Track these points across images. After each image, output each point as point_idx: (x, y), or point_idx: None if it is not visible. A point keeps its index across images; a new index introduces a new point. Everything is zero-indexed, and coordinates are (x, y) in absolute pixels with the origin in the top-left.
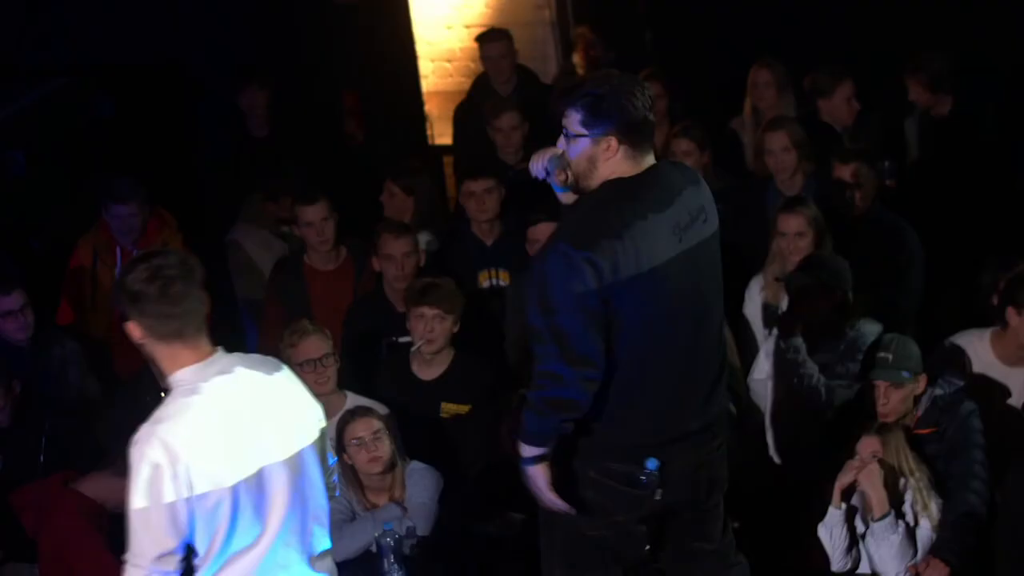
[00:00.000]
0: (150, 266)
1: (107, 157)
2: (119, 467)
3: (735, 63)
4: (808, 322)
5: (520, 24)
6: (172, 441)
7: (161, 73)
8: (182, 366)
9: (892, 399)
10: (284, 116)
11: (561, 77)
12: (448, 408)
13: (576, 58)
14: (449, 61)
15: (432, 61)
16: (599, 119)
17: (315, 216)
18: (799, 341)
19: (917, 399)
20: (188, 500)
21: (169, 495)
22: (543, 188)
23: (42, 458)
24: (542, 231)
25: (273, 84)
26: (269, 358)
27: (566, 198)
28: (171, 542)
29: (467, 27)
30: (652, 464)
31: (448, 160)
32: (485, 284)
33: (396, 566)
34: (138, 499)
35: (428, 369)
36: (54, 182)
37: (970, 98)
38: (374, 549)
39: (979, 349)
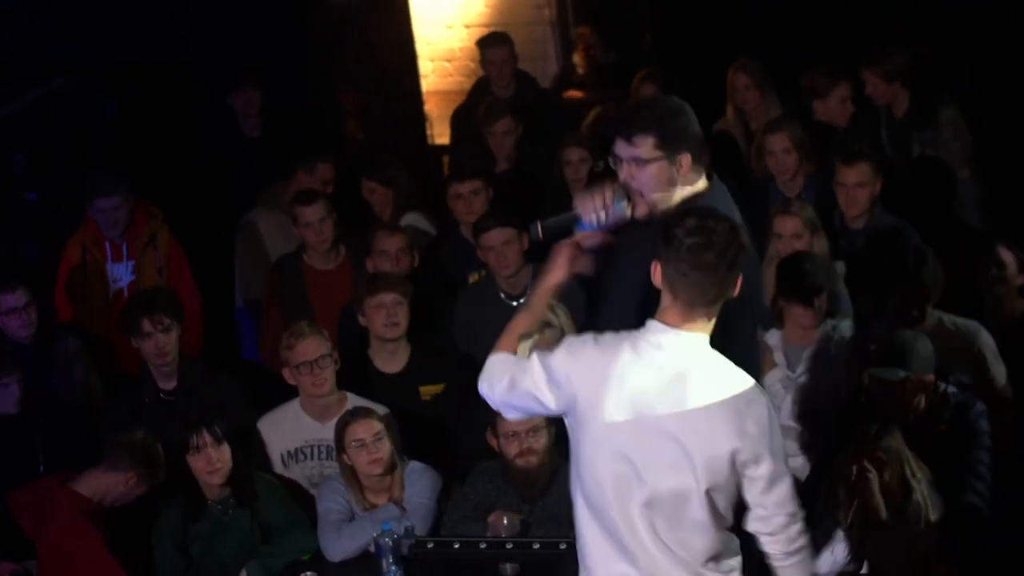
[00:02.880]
0: (703, 224)
1: (109, 157)
2: (112, 462)
3: (734, 62)
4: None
5: (520, 24)
6: None
7: (163, 73)
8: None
9: (895, 397)
10: (278, 117)
11: (561, 77)
12: (426, 391)
13: (576, 58)
14: (449, 61)
15: (432, 61)
16: (674, 139)
17: (313, 216)
18: None
19: (926, 396)
20: None
21: None
22: (534, 189)
23: (41, 459)
24: (495, 237)
25: (267, 84)
26: None
27: (592, 239)
28: None
29: (467, 27)
30: None
31: (448, 160)
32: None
33: (395, 566)
34: None
35: (392, 362)
36: (55, 182)
37: (927, 93)
38: (373, 549)
39: None
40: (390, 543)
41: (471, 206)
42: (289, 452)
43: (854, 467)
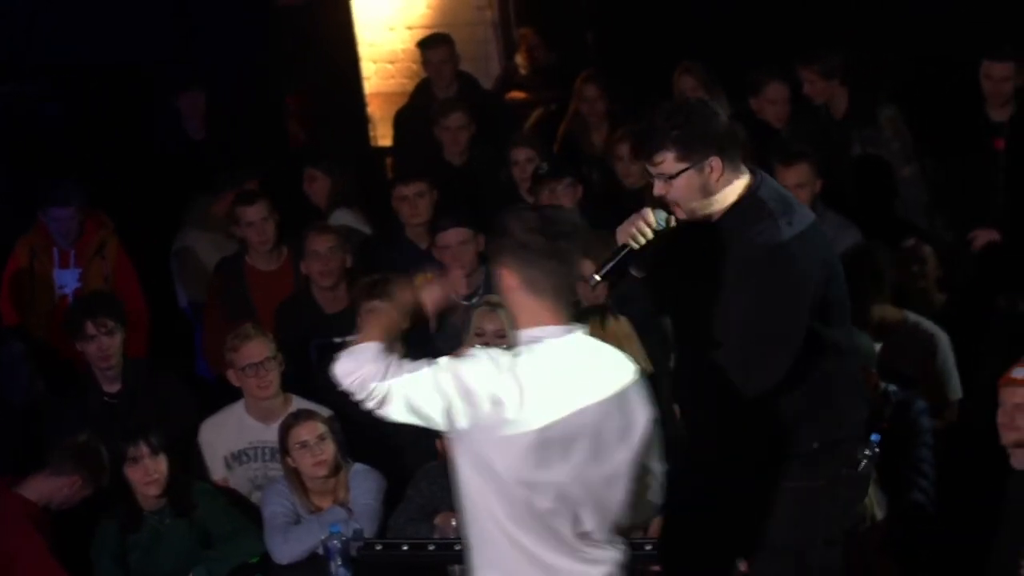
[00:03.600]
0: (541, 216)
1: (52, 159)
2: (56, 466)
3: (677, 62)
4: None
5: (462, 25)
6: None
7: (109, 75)
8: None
9: None
10: (223, 119)
11: (503, 78)
12: None
13: (519, 59)
14: (391, 62)
15: (374, 62)
16: (695, 147)
17: (255, 216)
18: None
19: (869, 393)
20: None
21: None
22: (482, 189)
23: None
24: (450, 236)
25: (212, 87)
26: None
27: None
28: None
29: (409, 28)
30: (876, 436)
31: (391, 162)
32: None
33: (343, 568)
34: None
35: None
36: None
37: (866, 92)
38: (321, 552)
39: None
40: (339, 545)
41: (416, 208)
42: (233, 454)
43: None
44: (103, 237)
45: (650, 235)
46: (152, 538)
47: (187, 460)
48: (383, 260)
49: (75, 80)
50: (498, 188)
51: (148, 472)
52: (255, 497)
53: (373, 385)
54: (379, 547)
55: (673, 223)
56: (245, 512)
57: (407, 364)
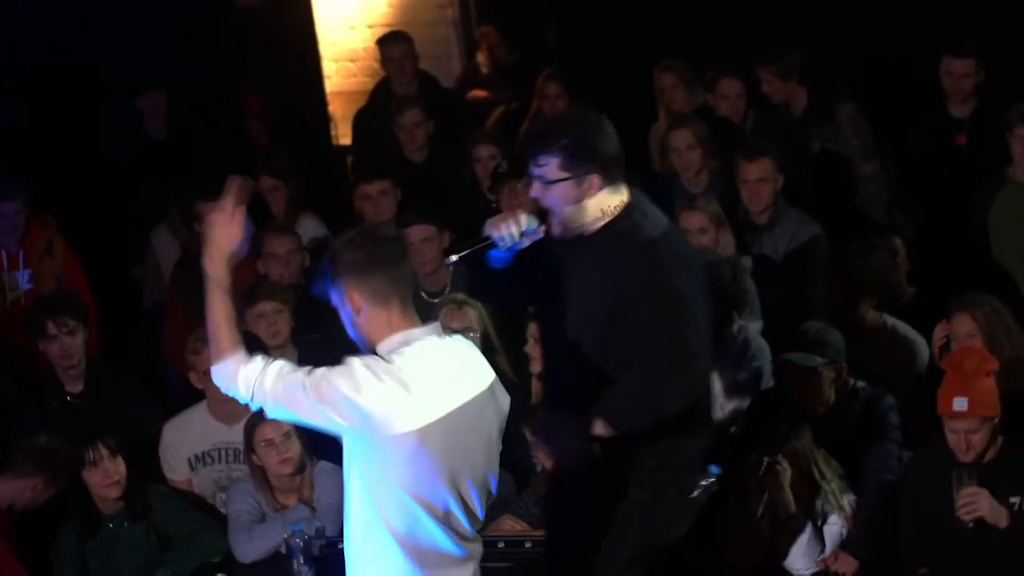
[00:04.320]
0: (364, 234)
1: (9, 161)
2: (17, 469)
3: (640, 61)
4: None
5: (423, 23)
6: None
7: (65, 76)
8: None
9: (809, 384)
10: (184, 119)
11: (464, 77)
12: None
13: (480, 57)
14: (352, 61)
15: (335, 61)
16: (579, 160)
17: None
18: None
19: (839, 389)
20: None
21: None
22: (442, 187)
23: None
24: (414, 233)
25: (173, 87)
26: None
27: (503, 263)
28: None
29: (370, 27)
30: (716, 469)
31: (352, 161)
32: None
33: (306, 567)
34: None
35: None
36: None
37: (825, 90)
38: (284, 550)
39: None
40: (301, 544)
41: (379, 207)
42: (197, 456)
43: (764, 462)
44: (48, 236)
45: (517, 237)
46: (111, 543)
47: (150, 461)
48: None
49: (31, 81)
50: (460, 186)
51: (108, 474)
52: (219, 498)
53: (250, 395)
54: (341, 545)
55: (541, 232)
56: (205, 514)
57: (286, 370)
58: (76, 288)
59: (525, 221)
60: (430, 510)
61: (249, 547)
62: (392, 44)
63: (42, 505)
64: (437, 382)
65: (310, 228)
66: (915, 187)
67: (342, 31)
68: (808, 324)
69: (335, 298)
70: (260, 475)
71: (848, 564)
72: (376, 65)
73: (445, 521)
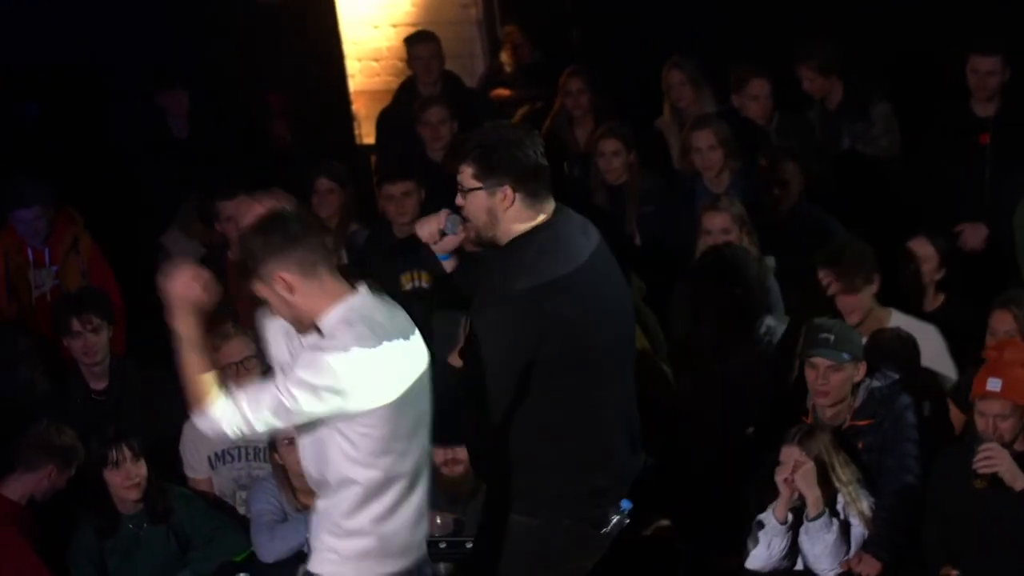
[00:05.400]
0: (265, 219)
1: (29, 159)
2: (28, 463)
3: (662, 60)
4: (713, 320)
5: (447, 23)
6: None
7: (86, 75)
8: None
9: (832, 381)
10: (207, 117)
11: (488, 76)
12: None
13: (503, 57)
14: (376, 60)
15: (359, 60)
16: (492, 170)
17: (233, 211)
18: None
19: (855, 388)
20: None
21: None
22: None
23: None
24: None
25: (194, 85)
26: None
27: (448, 266)
28: None
29: (394, 26)
30: (627, 504)
31: (375, 160)
32: (408, 286)
33: None
34: None
35: None
36: None
37: (859, 84)
38: (306, 550)
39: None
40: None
41: (402, 207)
42: (216, 454)
43: (791, 463)
44: (75, 233)
45: (438, 237)
46: (130, 544)
47: (174, 460)
48: (371, 258)
49: (52, 79)
50: None
51: (129, 476)
52: (239, 496)
53: (237, 430)
54: None
55: (461, 234)
56: (224, 513)
57: (255, 391)
58: (102, 284)
59: (447, 221)
60: (397, 476)
61: (272, 547)
62: (420, 43)
63: (61, 498)
64: (391, 359)
65: (359, 236)
66: (939, 187)
67: (366, 30)
68: (824, 320)
69: (264, 292)
70: (282, 474)
71: (871, 566)
72: (400, 64)
73: (410, 488)
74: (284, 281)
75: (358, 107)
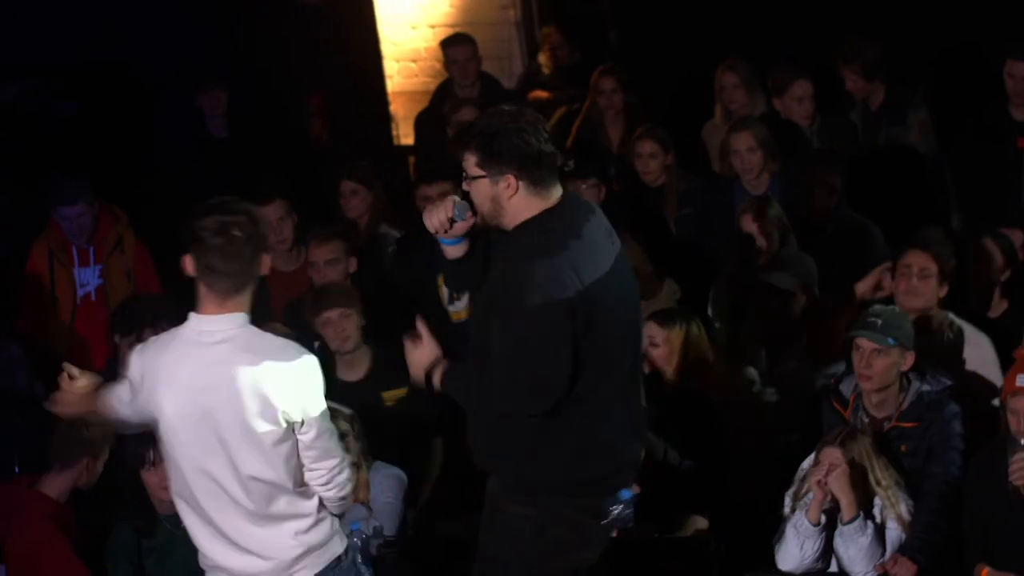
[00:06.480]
0: (223, 224)
1: (70, 158)
2: (63, 460)
3: (700, 61)
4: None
5: (485, 24)
6: None
7: (125, 75)
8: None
9: (876, 365)
10: (246, 117)
11: (526, 77)
12: (389, 396)
13: (542, 58)
14: (414, 61)
15: (397, 61)
16: (494, 158)
17: (272, 216)
18: None
19: (904, 384)
20: None
21: None
22: None
23: (16, 460)
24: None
25: (234, 85)
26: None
27: (455, 251)
28: None
29: (432, 27)
30: (626, 494)
31: (413, 161)
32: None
33: (364, 566)
34: None
35: (353, 371)
36: (16, 184)
37: (902, 90)
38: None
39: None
40: (359, 543)
41: None
42: None
43: (826, 465)
44: (119, 231)
45: (448, 225)
46: (166, 544)
47: None
48: (410, 259)
49: (92, 80)
50: None
51: (165, 476)
52: None
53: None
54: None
55: (471, 219)
56: None
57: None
58: (147, 285)
59: (455, 207)
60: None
61: None
62: (456, 46)
63: (99, 498)
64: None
65: (389, 237)
66: (974, 190)
67: (404, 31)
68: (879, 307)
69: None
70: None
71: (907, 569)
72: (438, 65)
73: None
74: (189, 266)
75: (396, 108)
